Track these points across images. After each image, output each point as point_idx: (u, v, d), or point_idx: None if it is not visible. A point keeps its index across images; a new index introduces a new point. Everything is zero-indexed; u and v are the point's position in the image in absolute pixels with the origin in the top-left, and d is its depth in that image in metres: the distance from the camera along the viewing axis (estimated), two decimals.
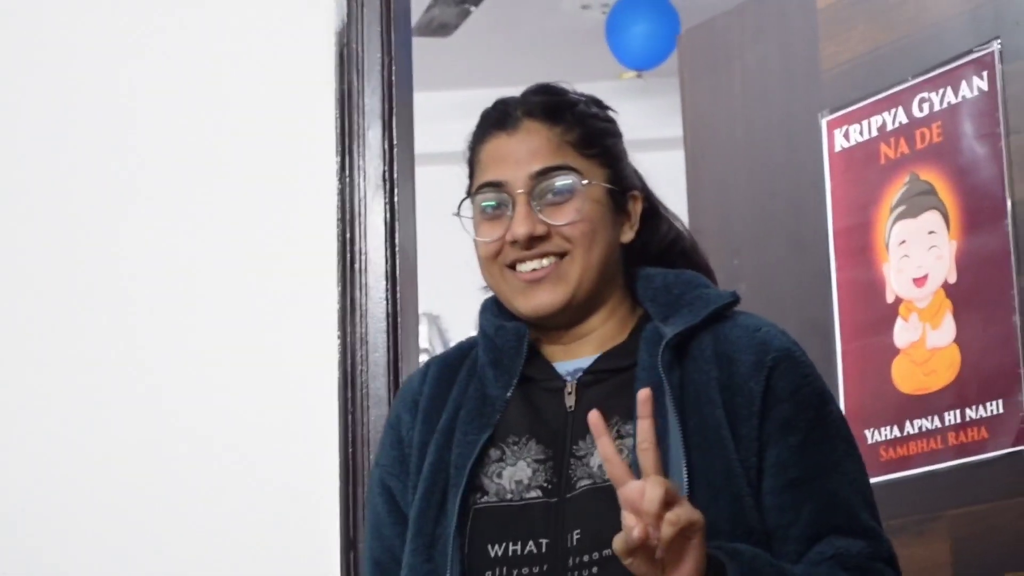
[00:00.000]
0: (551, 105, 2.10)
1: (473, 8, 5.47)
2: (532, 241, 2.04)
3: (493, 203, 2.08)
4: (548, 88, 2.15)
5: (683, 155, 4.27)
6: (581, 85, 2.39)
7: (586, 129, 2.10)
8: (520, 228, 2.03)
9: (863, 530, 2.00)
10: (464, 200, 2.12)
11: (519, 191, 2.05)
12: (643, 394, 1.85)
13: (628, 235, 2.12)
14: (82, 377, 2.97)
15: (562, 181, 2.06)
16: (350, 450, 2.88)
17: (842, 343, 3.75)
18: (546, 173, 2.05)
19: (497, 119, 2.12)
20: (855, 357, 3.71)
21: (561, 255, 2.06)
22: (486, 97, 2.44)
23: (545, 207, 2.05)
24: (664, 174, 2.27)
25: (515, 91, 2.27)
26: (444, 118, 3.03)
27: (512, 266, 2.07)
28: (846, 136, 3.79)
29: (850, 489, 2.01)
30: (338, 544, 2.84)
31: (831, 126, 3.82)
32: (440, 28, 5.27)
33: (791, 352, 2.05)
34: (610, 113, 2.17)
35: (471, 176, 2.13)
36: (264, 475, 2.91)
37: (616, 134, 2.15)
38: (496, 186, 2.07)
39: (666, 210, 2.20)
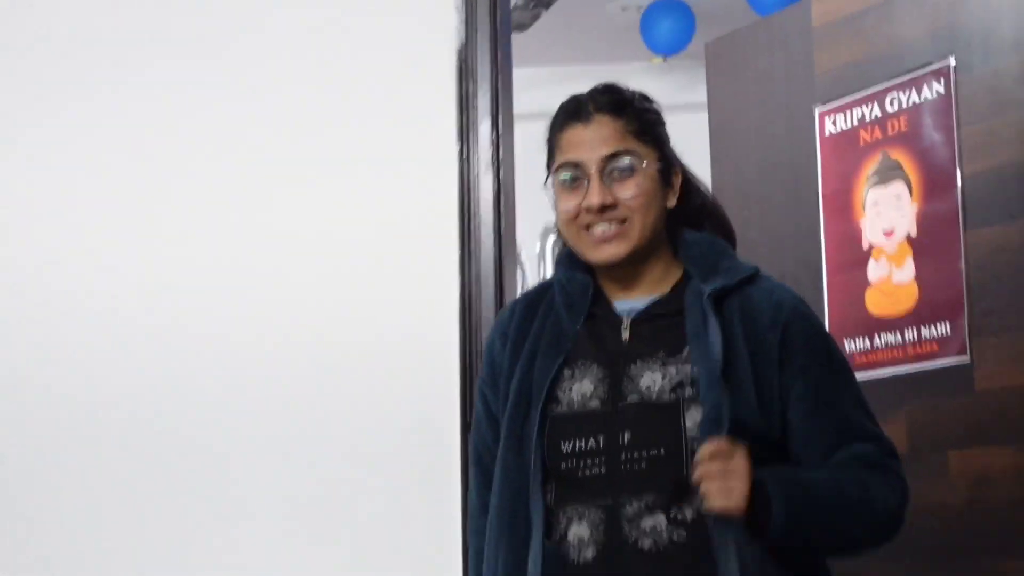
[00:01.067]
0: (616, 102, 2.25)
1: (544, 11, 5.71)
2: (603, 208, 2.21)
3: (571, 177, 2.23)
4: (612, 88, 2.28)
5: (701, 118, 4.37)
6: (620, 66, 2.33)
7: (642, 121, 2.25)
8: (595, 198, 2.20)
9: (870, 436, 2.18)
10: (548, 177, 2.27)
11: (592, 170, 2.21)
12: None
13: (672, 201, 2.28)
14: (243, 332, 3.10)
15: (626, 162, 2.22)
16: (467, 360, 3.08)
17: (827, 277, 3.95)
18: (614, 156, 2.22)
19: (573, 112, 2.26)
20: (837, 288, 3.91)
21: (623, 221, 2.22)
22: (551, 74, 2.69)
23: (613, 182, 2.21)
24: (684, 132, 2.42)
25: (568, 70, 2.13)
26: (521, 89, 3.11)
27: (587, 227, 2.23)
28: (834, 124, 4.00)
29: (855, 409, 2.19)
30: (458, 426, 3.05)
31: (822, 116, 4.03)
32: (519, 26, 5.64)
33: (799, 309, 2.20)
34: (655, 105, 2.30)
35: (551, 155, 2.27)
36: (399, 386, 3.08)
37: (663, 122, 2.29)
38: (574, 165, 2.23)
39: (695, 179, 2.34)
